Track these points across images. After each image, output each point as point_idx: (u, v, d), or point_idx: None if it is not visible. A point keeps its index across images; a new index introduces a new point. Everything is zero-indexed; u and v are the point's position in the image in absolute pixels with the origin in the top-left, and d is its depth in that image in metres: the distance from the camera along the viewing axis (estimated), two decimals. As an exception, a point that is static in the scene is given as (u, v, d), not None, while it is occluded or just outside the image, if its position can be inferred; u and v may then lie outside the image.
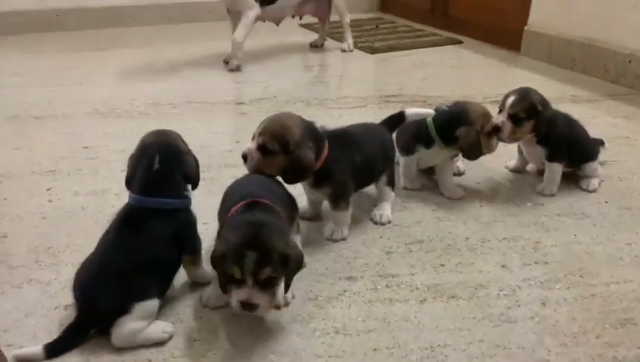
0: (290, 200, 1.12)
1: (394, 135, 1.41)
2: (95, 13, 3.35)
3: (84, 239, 1.21)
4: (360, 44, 3.04)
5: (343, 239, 1.25)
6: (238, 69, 2.28)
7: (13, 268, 1.15)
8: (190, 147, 1.13)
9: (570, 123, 1.47)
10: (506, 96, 1.39)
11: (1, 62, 2.65)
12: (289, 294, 1.03)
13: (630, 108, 2.09)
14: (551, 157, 1.43)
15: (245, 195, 0.99)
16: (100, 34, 3.25)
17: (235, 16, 2.54)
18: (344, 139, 1.24)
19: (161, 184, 1.01)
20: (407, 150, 1.45)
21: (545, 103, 1.38)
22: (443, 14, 3.41)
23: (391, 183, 1.34)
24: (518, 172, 1.58)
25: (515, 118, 1.36)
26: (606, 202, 1.43)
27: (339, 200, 1.23)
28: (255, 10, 2.47)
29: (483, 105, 1.45)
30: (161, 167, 1.02)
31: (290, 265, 0.91)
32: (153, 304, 0.95)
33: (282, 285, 0.95)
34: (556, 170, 1.44)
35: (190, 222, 1.05)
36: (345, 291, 1.09)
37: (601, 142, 1.54)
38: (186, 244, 1.04)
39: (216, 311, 1.03)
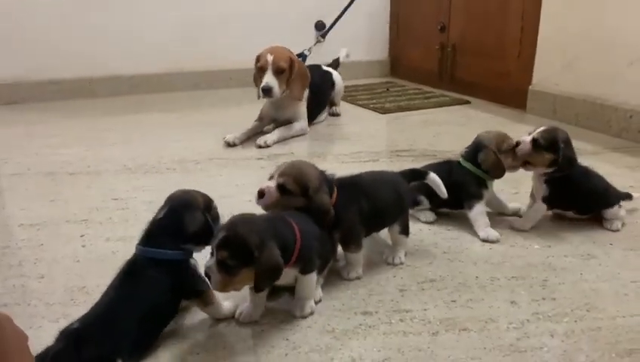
0: (328, 247, 1.24)
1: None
2: (125, 81, 3.60)
3: (115, 279, 1.30)
4: (372, 105, 3.21)
5: (358, 278, 1.32)
6: (266, 145, 2.43)
7: (51, 304, 1.24)
8: (215, 197, 1.21)
9: (584, 175, 1.55)
10: (538, 127, 1.53)
11: (40, 125, 2.86)
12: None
13: (633, 159, 2.17)
14: (545, 199, 1.52)
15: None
16: (129, 100, 3.48)
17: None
18: (352, 185, 1.32)
19: (157, 235, 1.08)
20: (478, 196, 1.55)
21: (568, 144, 1.49)
22: (450, 78, 3.60)
23: (404, 231, 1.40)
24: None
25: (535, 143, 1.48)
26: (611, 244, 1.48)
27: (349, 243, 1.31)
28: (305, 124, 2.62)
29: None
30: (164, 218, 1.10)
31: (257, 265, 1.00)
32: None
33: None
34: (540, 210, 1.54)
35: (187, 271, 1.10)
36: (360, 324, 1.15)
37: (626, 196, 1.61)
38: (189, 291, 1.10)
39: (239, 341, 1.09)
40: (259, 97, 2.54)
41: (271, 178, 1.25)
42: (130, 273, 1.06)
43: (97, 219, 1.69)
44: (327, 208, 1.22)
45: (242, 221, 1.05)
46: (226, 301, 1.17)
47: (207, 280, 1.05)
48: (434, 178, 1.42)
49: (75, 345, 0.92)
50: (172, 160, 2.25)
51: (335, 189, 1.27)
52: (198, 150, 2.39)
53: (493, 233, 1.51)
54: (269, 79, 2.42)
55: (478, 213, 1.54)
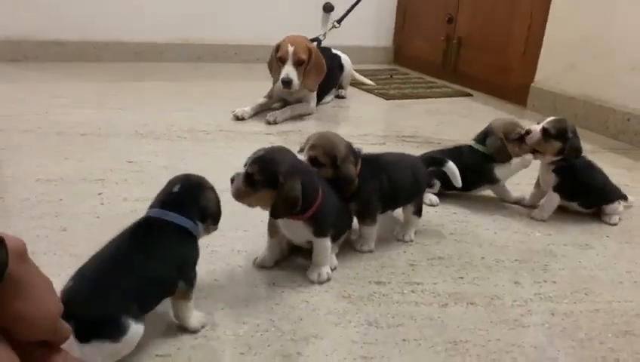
0: (345, 218, 1.31)
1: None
2: (130, 48, 3.59)
3: (136, 236, 1.34)
4: (376, 91, 3.26)
5: (370, 251, 1.38)
6: (275, 122, 2.47)
7: (75, 256, 1.26)
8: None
9: (590, 169, 1.64)
10: (543, 119, 1.62)
11: (46, 85, 2.86)
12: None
13: (630, 161, 2.26)
14: (556, 188, 1.61)
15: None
16: (133, 67, 3.48)
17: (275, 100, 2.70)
18: (375, 162, 1.38)
19: (176, 204, 1.04)
20: (492, 174, 1.69)
21: (575, 134, 1.58)
22: (453, 70, 3.66)
23: (417, 212, 1.46)
24: (531, 206, 1.71)
25: (545, 132, 1.56)
26: (607, 237, 1.57)
27: (365, 216, 1.37)
28: (314, 105, 2.67)
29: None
30: (180, 191, 1.06)
31: (279, 191, 1.10)
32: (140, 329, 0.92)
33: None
34: (554, 200, 1.62)
35: (195, 252, 1.06)
36: (375, 292, 1.21)
37: (623, 196, 1.68)
38: (187, 273, 1.03)
39: (260, 300, 1.15)
40: (274, 84, 2.57)
41: (301, 151, 1.30)
42: (146, 232, 1.02)
43: (113, 180, 1.72)
44: (353, 177, 1.29)
45: (280, 150, 1.18)
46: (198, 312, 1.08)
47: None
48: (452, 167, 1.49)
49: (80, 303, 0.87)
50: (182, 129, 2.28)
51: (359, 162, 1.33)
52: (206, 121, 2.42)
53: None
54: (289, 71, 2.46)
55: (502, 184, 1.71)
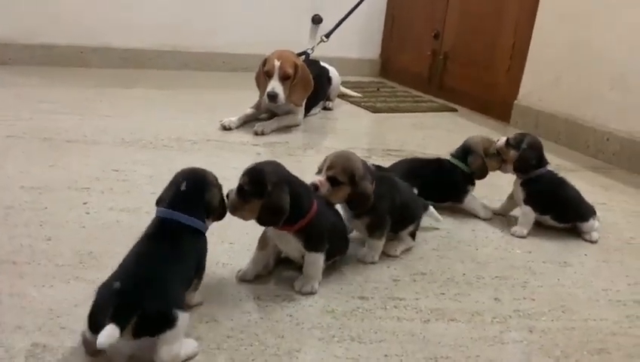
0: (342, 238, 1.36)
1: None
2: (118, 54, 3.58)
3: (122, 248, 1.30)
4: (363, 103, 3.30)
5: (373, 263, 1.42)
6: (263, 133, 2.51)
7: (60, 266, 1.27)
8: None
9: (560, 184, 1.71)
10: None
11: (31, 89, 2.84)
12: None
13: (608, 180, 2.32)
14: (526, 201, 1.68)
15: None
16: (120, 73, 3.47)
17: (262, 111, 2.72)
18: (389, 182, 1.45)
19: (186, 204, 1.08)
20: (466, 191, 1.78)
21: (532, 148, 1.68)
22: (439, 84, 3.71)
23: (412, 234, 1.52)
24: (501, 215, 1.81)
25: (507, 142, 1.73)
26: (585, 255, 1.61)
27: (375, 229, 1.41)
28: (301, 117, 2.71)
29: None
30: (187, 189, 1.09)
31: (266, 199, 1.14)
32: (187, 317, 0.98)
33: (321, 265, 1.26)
34: (528, 214, 1.68)
35: (206, 249, 1.12)
36: (358, 308, 1.23)
37: (595, 212, 1.73)
38: (200, 269, 1.11)
39: (245, 314, 1.16)
40: (260, 97, 2.59)
41: (319, 172, 1.33)
42: (165, 234, 1.06)
43: (99, 188, 1.72)
44: (370, 194, 1.33)
45: (271, 162, 1.21)
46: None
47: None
48: (432, 211, 1.61)
49: (133, 300, 0.91)
50: (169, 137, 2.29)
51: (374, 180, 1.37)
52: (193, 130, 2.42)
53: (490, 212, 1.79)
54: (275, 85, 2.48)
55: (470, 199, 1.78)
